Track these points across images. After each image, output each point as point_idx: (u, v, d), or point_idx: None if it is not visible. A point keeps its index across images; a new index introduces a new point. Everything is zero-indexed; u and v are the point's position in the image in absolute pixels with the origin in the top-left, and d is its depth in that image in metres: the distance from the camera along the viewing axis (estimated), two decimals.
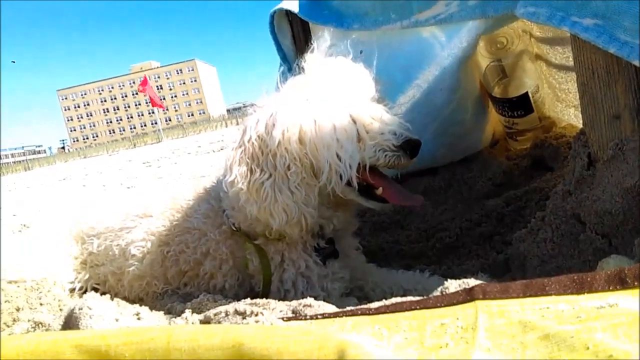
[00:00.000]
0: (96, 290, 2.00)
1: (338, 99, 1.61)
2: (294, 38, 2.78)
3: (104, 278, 1.98)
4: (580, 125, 1.62)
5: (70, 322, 1.39)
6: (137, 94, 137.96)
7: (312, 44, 1.78)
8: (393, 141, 1.57)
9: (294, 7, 2.61)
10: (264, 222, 1.62)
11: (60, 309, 1.78)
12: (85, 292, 1.99)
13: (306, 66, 1.71)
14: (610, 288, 0.86)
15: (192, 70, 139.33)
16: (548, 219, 1.64)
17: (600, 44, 1.27)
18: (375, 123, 1.61)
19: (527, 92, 2.49)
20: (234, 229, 1.72)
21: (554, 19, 1.42)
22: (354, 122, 1.60)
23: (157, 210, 1.90)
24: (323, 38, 1.76)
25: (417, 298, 1.04)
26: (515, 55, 2.44)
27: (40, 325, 1.59)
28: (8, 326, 1.69)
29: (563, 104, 2.34)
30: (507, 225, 2.17)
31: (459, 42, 2.23)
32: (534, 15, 1.52)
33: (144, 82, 27.95)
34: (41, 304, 1.84)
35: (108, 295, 1.74)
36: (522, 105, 2.54)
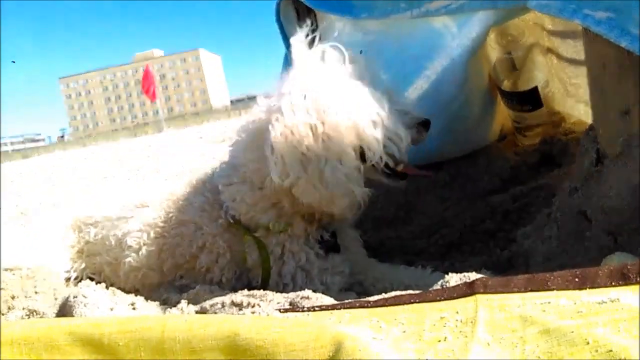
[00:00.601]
0: (92, 279, 1.99)
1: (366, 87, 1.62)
2: (300, 26, 2.76)
3: (100, 268, 1.98)
4: (590, 122, 1.60)
5: (65, 311, 1.39)
6: (139, 83, 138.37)
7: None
8: (415, 119, 1.65)
9: None
10: (323, 209, 1.62)
11: (55, 298, 1.77)
12: (80, 281, 1.99)
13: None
14: (613, 284, 0.85)
15: (197, 59, 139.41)
16: (554, 216, 1.63)
17: (612, 37, 1.25)
18: (395, 104, 1.65)
19: (536, 87, 2.46)
20: (232, 221, 1.70)
21: (565, 12, 1.39)
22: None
23: (153, 201, 1.90)
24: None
25: (417, 292, 1.03)
26: (526, 48, 2.41)
27: (34, 313, 1.58)
28: (3, 314, 1.69)
29: (573, 99, 2.31)
30: (513, 222, 2.15)
31: (469, 33, 2.20)
32: (545, 7, 1.50)
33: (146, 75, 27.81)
34: (36, 292, 1.84)
35: (103, 284, 1.73)
36: (531, 99, 2.51)
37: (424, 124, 1.66)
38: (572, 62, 2.08)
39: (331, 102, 1.53)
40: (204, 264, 1.74)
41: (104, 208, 2.02)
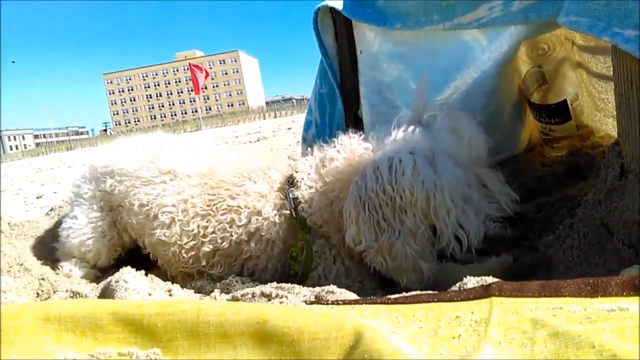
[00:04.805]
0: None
1: (461, 158, 1.61)
2: (336, 35, 2.82)
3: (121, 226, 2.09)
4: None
5: (107, 294, 1.48)
6: (179, 81, 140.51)
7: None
8: (502, 213, 1.63)
9: (338, 5, 2.65)
10: (391, 275, 1.63)
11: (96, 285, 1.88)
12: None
13: (422, 117, 1.71)
14: (624, 293, 0.89)
15: (235, 61, 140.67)
16: (576, 227, 1.64)
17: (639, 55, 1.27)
18: (490, 191, 1.64)
19: (566, 100, 2.47)
20: (294, 217, 1.73)
21: (595, 29, 1.42)
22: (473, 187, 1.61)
23: (192, 177, 1.91)
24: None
25: (435, 292, 1.08)
26: (556, 62, 2.42)
27: (77, 295, 1.67)
28: (48, 295, 1.79)
29: (602, 114, 2.32)
30: (537, 231, 2.16)
31: (500, 46, 2.23)
32: (575, 24, 1.52)
33: (198, 68, 28.67)
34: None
35: (143, 271, 1.83)
36: (560, 112, 2.52)
37: (512, 219, 1.63)
38: (602, 77, 2.09)
39: (414, 178, 1.52)
40: (252, 251, 1.76)
41: (124, 160, 2.05)
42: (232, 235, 1.77)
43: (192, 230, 1.81)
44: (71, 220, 2.13)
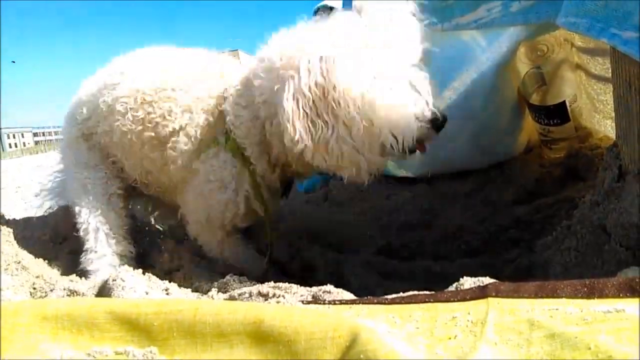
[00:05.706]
0: None
1: (396, 53, 1.52)
2: None
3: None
4: None
5: (104, 292, 1.48)
6: None
7: None
8: (428, 112, 1.52)
9: (337, 5, 2.65)
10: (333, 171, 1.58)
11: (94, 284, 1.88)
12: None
13: (359, 5, 1.58)
14: (620, 295, 0.88)
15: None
16: (574, 228, 1.64)
17: (638, 57, 1.27)
18: (420, 91, 1.56)
19: (564, 101, 2.48)
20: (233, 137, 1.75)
21: (593, 30, 1.42)
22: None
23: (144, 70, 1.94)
24: None
25: (432, 292, 1.08)
26: (555, 64, 2.42)
27: (74, 293, 1.66)
28: (46, 294, 1.79)
29: (600, 115, 2.32)
30: (535, 233, 2.17)
31: (499, 47, 2.24)
32: (573, 25, 1.52)
33: None
34: (76, 275, 1.95)
35: (140, 270, 1.82)
36: (559, 113, 2.52)
37: (439, 123, 1.53)
38: (601, 79, 2.09)
39: (347, 67, 1.43)
40: (177, 144, 1.78)
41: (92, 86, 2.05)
42: (167, 126, 1.79)
43: (140, 116, 1.83)
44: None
